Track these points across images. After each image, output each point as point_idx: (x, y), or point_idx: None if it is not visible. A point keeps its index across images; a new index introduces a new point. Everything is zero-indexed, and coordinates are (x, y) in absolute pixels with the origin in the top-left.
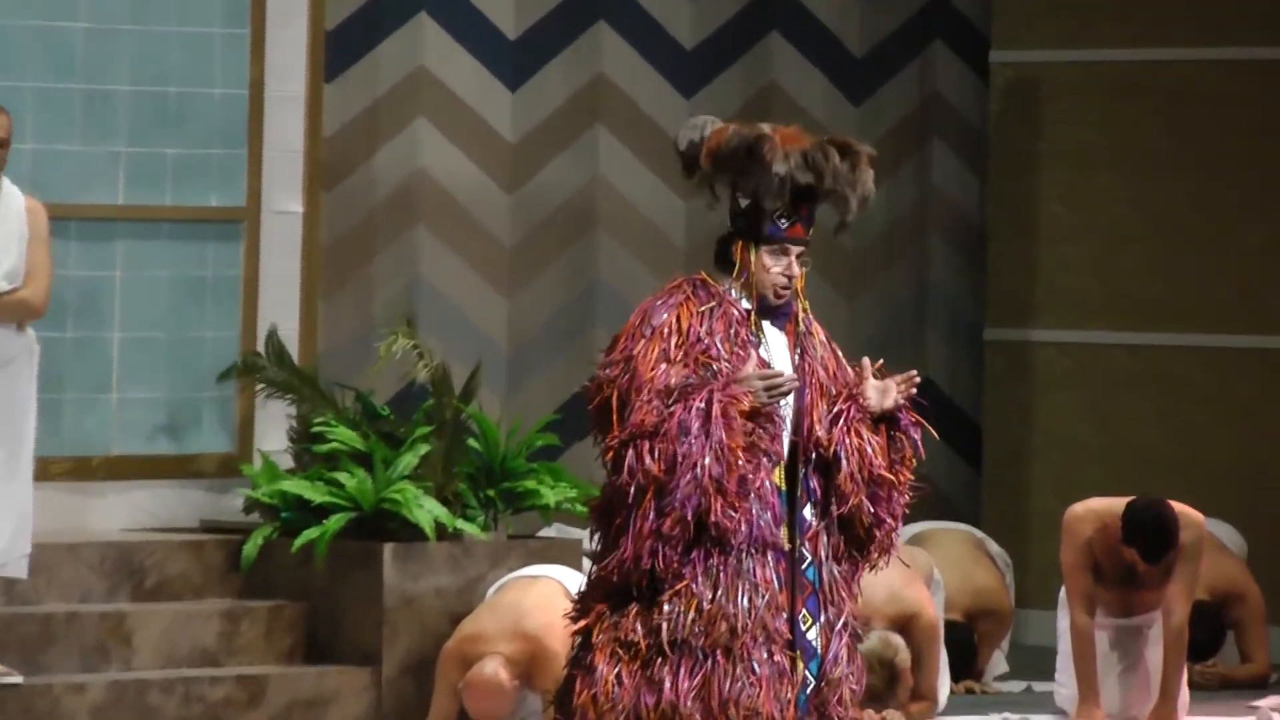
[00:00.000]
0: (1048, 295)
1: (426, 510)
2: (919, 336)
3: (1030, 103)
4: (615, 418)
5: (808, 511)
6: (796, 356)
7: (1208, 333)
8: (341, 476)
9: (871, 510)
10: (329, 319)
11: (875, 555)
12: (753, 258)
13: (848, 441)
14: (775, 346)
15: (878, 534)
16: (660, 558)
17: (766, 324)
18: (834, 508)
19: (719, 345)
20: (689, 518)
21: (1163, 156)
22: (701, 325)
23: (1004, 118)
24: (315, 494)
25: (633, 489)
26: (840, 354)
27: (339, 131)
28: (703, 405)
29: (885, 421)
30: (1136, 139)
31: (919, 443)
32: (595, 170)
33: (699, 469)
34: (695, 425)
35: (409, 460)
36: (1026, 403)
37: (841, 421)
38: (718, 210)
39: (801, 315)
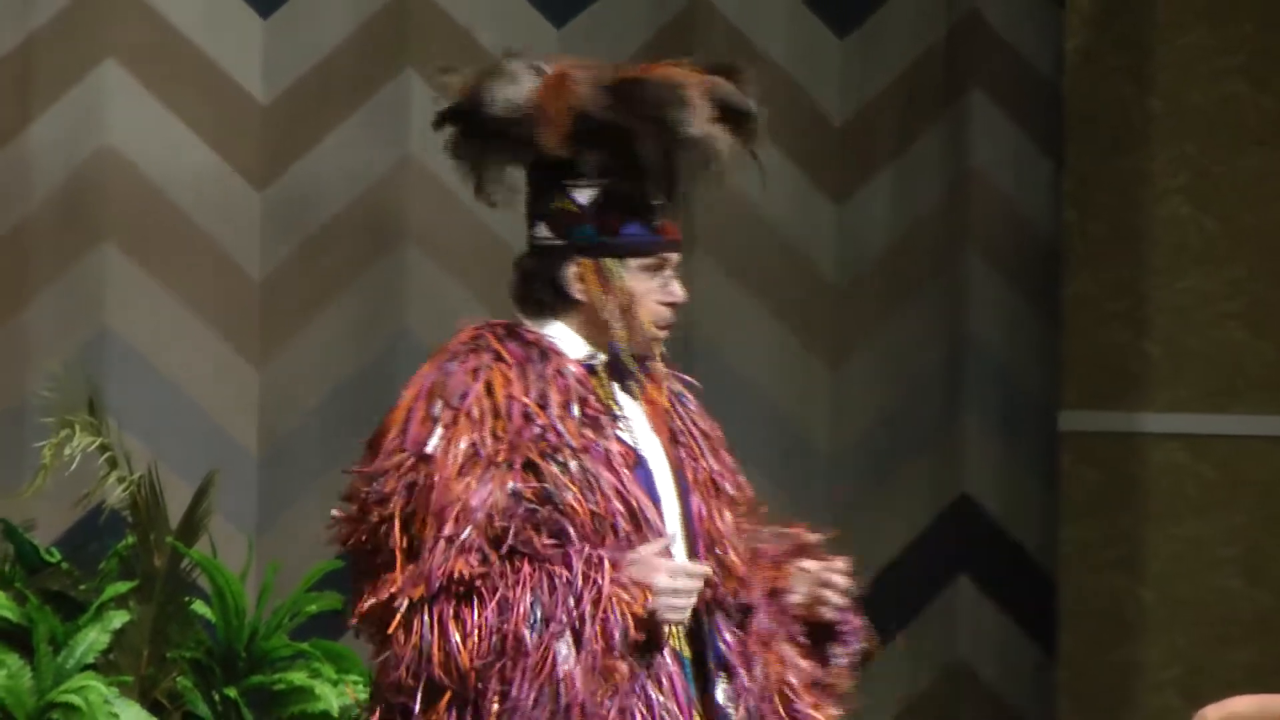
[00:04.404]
0: (1168, 356)
1: None
2: (949, 426)
3: (1136, 30)
4: (399, 555)
5: (720, 693)
6: (670, 438)
7: None
8: None
9: None
10: None
11: None
12: (615, 282)
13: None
14: (636, 424)
15: None
16: None
17: (616, 387)
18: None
19: (560, 426)
20: None
21: None
22: (528, 395)
23: (1090, 56)
24: None
25: (420, 686)
26: (710, 431)
27: None
28: (578, 582)
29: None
30: None
31: (861, 652)
32: (405, 149)
33: (565, 692)
34: (562, 612)
35: (94, 639)
36: (1133, 537)
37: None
38: (512, 210)
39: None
